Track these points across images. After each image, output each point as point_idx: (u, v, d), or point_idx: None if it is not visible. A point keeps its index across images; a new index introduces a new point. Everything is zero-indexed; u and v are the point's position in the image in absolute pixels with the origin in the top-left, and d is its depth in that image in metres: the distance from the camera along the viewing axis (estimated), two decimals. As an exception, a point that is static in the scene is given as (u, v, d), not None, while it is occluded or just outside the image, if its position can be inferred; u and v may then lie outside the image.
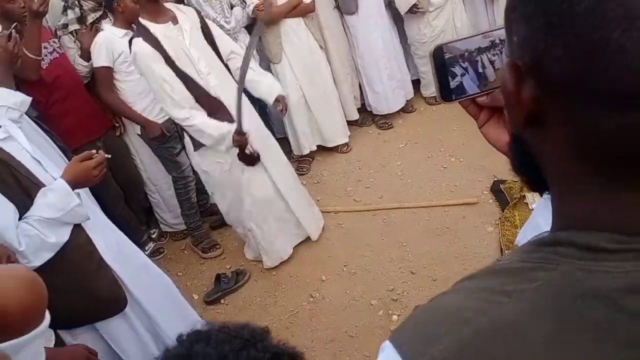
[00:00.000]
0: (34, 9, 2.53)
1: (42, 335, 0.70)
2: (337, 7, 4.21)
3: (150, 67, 2.56)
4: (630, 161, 0.42)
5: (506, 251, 2.91)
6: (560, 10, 0.41)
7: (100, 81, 3.12)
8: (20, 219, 1.64)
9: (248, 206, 3.01)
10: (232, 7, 3.66)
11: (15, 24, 2.51)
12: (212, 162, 2.88)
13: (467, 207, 3.31)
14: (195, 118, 2.67)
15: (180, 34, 2.65)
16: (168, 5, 2.73)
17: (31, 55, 2.66)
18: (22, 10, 2.72)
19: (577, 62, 0.41)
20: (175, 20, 2.65)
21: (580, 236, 0.44)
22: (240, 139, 2.69)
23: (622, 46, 0.38)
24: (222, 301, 3.12)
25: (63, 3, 3.14)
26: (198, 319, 2.41)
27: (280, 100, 2.98)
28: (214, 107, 2.73)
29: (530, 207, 3.09)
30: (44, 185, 1.70)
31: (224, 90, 2.76)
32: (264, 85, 2.96)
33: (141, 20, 2.60)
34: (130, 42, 2.61)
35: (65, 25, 3.12)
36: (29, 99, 1.90)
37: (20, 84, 2.57)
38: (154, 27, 2.57)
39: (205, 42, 2.75)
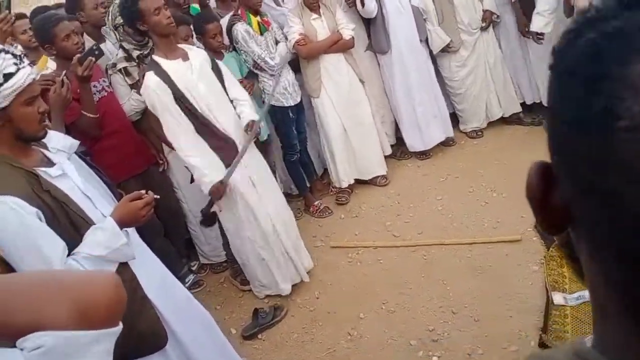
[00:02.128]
0: (79, 74, 2.68)
1: (115, 335, 0.79)
2: (369, 48, 4.26)
3: (159, 99, 2.69)
4: None
5: (552, 292, 2.81)
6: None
7: (152, 116, 3.21)
8: (68, 254, 1.68)
9: (246, 238, 3.07)
10: (277, 42, 3.74)
11: (65, 72, 2.64)
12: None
13: (511, 245, 3.22)
14: (195, 158, 2.80)
15: (189, 70, 2.77)
16: (181, 45, 2.88)
17: (90, 115, 2.86)
18: (76, 47, 2.85)
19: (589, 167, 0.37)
20: (186, 57, 2.79)
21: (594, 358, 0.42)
22: (219, 189, 2.80)
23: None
24: (259, 336, 3.09)
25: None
26: (237, 356, 2.40)
27: (249, 125, 2.95)
28: (220, 141, 2.85)
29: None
30: (92, 222, 1.75)
31: (229, 125, 2.90)
32: (244, 114, 3.00)
33: (154, 56, 2.74)
34: (143, 76, 2.75)
35: (114, 65, 3.24)
36: (77, 143, 1.98)
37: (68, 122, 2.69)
38: (165, 63, 2.71)
39: (215, 80, 2.88)
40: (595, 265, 0.41)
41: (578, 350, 0.44)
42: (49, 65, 3.04)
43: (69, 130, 2.46)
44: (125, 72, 3.24)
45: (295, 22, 3.78)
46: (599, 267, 0.40)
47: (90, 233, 1.72)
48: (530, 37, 4.07)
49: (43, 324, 0.71)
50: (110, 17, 3.25)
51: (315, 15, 3.83)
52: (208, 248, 3.72)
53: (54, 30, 2.78)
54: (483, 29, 4.33)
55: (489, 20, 4.31)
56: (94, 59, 2.73)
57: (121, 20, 3.15)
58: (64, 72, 2.62)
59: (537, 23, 3.87)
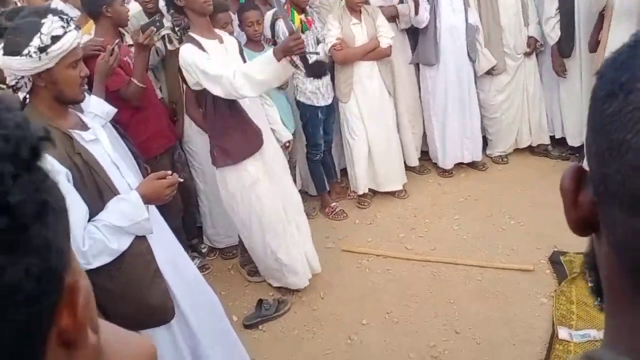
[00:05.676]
0: (139, 42, 2.76)
1: None
2: (415, 60, 4.26)
3: (198, 55, 2.60)
4: None
5: (558, 326, 2.78)
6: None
7: (188, 99, 3.25)
8: (90, 219, 1.71)
9: (267, 225, 3.04)
10: (318, 42, 3.76)
11: (118, 41, 2.70)
12: (234, 177, 2.93)
13: (522, 274, 3.19)
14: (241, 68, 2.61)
15: (224, 52, 2.80)
16: (217, 30, 2.89)
17: (138, 84, 2.89)
18: (128, 16, 2.98)
19: (600, 161, 0.42)
20: (221, 40, 2.81)
21: (609, 358, 0.43)
22: (296, 39, 2.48)
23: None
24: (260, 327, 3.11)
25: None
26: (238, 340, 2.41)
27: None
28: (249, 126, 2.86)
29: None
30: (118, 191, 1.78)
31: (253, 110, 2.91)
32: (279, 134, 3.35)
33: (191, 33, 2.72)
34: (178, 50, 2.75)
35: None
36: (114, 110, 2.02)
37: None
38: (202, 40, 2.69)
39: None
40: (612, 254, 0.44)
41: (589, 353, 0.46)
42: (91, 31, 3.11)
43: (107, 99, 2.51)
44: (168, 39, 3.29)
45: (335, 25, 3.77)
46: (616, 255, 0.44)
47: (114, 202, 1.75)
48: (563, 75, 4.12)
49: None
50: None
51: (355, 20, 3.82)
52: (212, 232, 3.72)
53: None
54: (527, 55, 4.30)
55: (533, 47, 4.27)
56: (155, 29, 2.81)
57: None
58: (117, 40, 2.69)
59: None
